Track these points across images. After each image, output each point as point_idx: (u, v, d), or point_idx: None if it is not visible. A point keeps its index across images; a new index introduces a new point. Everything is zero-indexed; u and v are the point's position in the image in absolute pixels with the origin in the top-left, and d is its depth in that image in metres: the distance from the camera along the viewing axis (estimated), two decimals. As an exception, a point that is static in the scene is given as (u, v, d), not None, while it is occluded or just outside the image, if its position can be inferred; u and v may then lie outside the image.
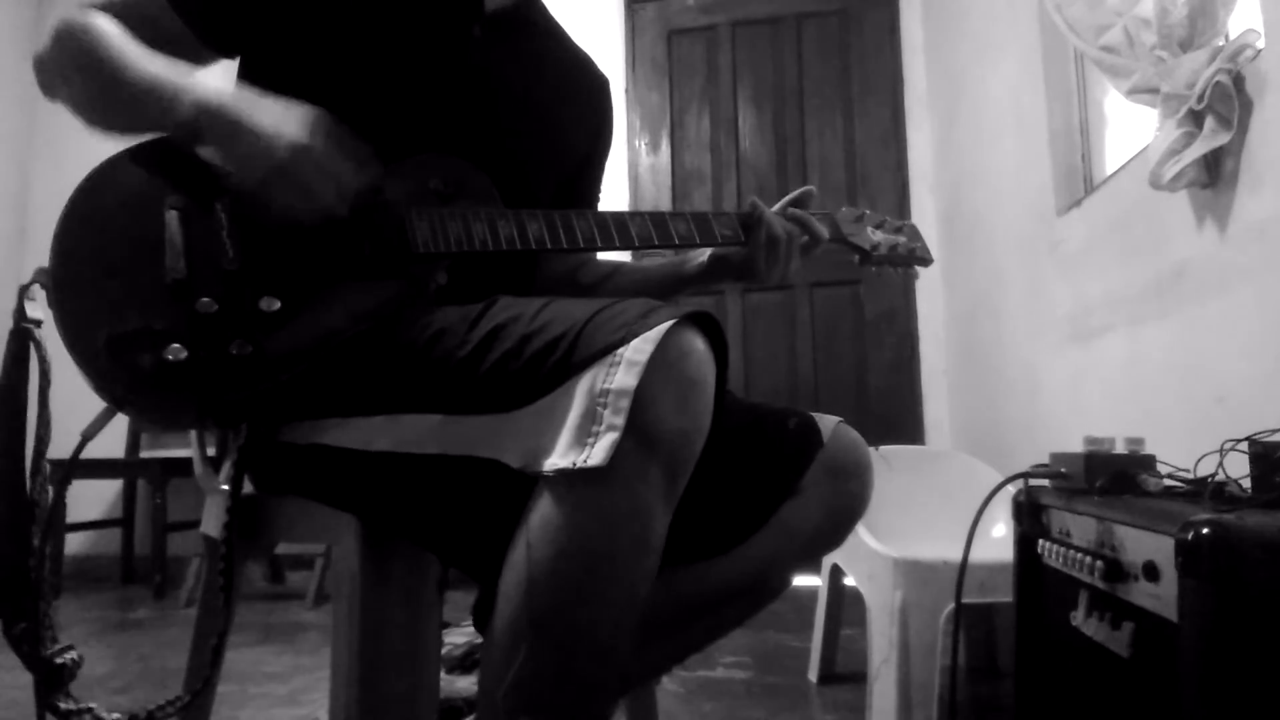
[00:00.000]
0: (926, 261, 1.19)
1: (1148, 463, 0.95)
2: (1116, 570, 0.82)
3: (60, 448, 0.86)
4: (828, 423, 0.98)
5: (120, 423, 0.82)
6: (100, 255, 0.82)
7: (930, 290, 3.24)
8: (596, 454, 0.65)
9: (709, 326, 0.73)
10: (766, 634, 2.30)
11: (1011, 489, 1.08)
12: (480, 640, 1.81)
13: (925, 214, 3.26)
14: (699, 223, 1.01)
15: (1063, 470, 1.01)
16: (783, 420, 0.98)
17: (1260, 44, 1.24)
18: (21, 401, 0.83)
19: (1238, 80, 1.27)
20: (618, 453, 0.65)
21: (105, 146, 0.90)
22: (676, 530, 0.72)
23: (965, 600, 1.17)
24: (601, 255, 1.15)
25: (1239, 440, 0.89)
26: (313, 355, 0.81)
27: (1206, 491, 0.86)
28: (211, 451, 1.18)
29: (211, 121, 0.83)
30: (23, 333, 0.82)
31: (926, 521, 1.74)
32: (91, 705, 0.78)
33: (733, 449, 0.89)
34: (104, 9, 0.91)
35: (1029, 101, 2.23)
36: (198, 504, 1.17)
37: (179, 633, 2.53)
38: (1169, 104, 1.34)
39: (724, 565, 0.92)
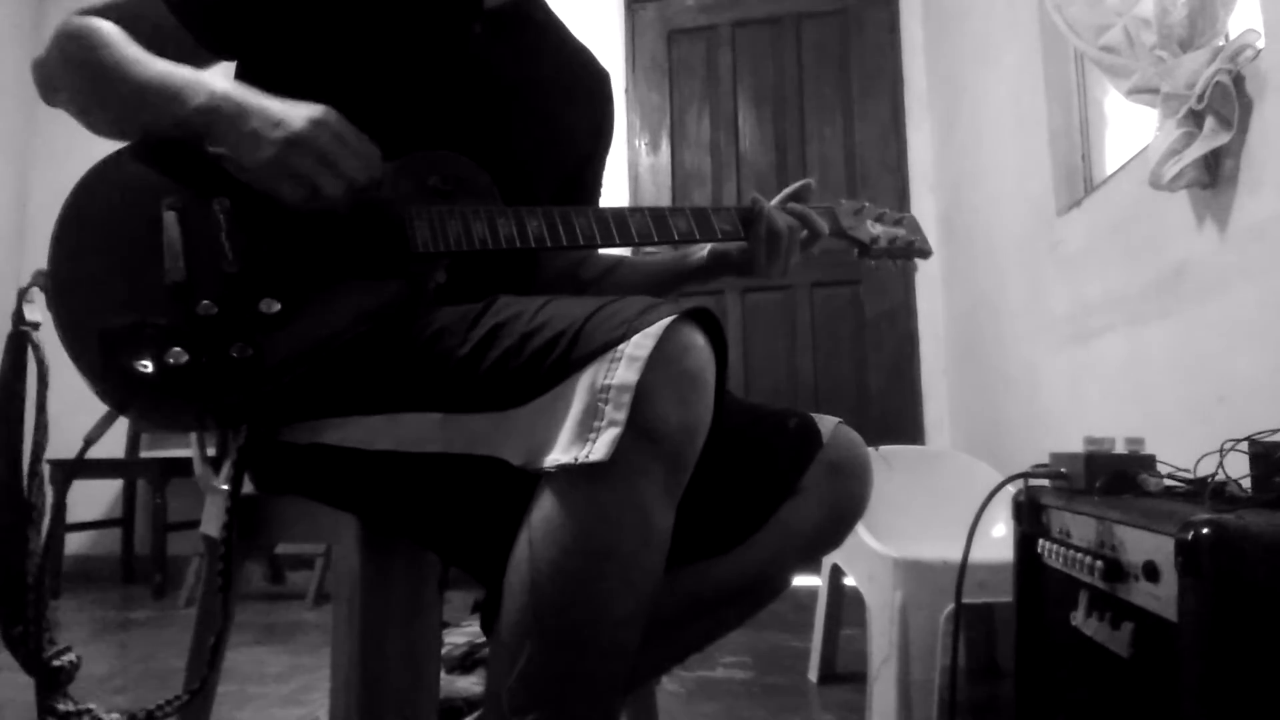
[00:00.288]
0: (925, 254, 1.19)
1: (1148, 463, 0.95)
2: (1116, 570, 0.82)
3: (60, 450, 0.86)
4: (827, 423, 0.98)
5: (120, 423, 0.82)
6: (99, 257, 0.82)
7: (930, 290, 3.24)
8: (598, 450, 0.65)
9: (709, 323, 0.73)
10: (766, 634, 2.30)
11: (1011, 489, 1.08)
12: (481, 640, 1.82)
13: (925, 214, 3.25)
14: (699, 218, 1.00)
15: (1063, 470, 1.01)
16: (782, 420, 0.98)
17: (1260, 44, 1.24)
18: (19, 404, 0.82)
19: (1238, 80, 1.27)
20: (619, 448, 0.65)
21: (104, 147, 0.90)
22: (677, 530, 0.72)
23: (965, 600, 1.17)
24: (602, 251, 1.15)
25: (1239, 440, 0.89)
26: (313, 356, 0.81)
27: (1206, 491, 0.85)
28: (211, 451, 1.18)
29: (224, 105, 0.83)
30: (21, 335, 0.82)
31: (926, 521, 1.74)
32: (90, 706, 0.78)
33: (733, 449, 0.89)
34: (102, 13, 0.92)
35: (1029, 101, 2.22)
36: (198, 504, 1.17)
37: (179, 633, 2.53)
38: (1169, 104, 1.34)
39: (724, 565, 0.92)
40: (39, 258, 0.80)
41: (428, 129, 0.95)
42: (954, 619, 1.23)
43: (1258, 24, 1.25)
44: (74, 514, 3.40)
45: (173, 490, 3.21)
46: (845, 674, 1.92)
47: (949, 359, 3.21)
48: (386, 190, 0.89)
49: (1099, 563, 0.84)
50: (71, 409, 0.86)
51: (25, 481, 0.82)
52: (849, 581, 1.78)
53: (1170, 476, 0.95)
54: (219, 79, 0.87)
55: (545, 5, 1.12)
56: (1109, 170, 1.97)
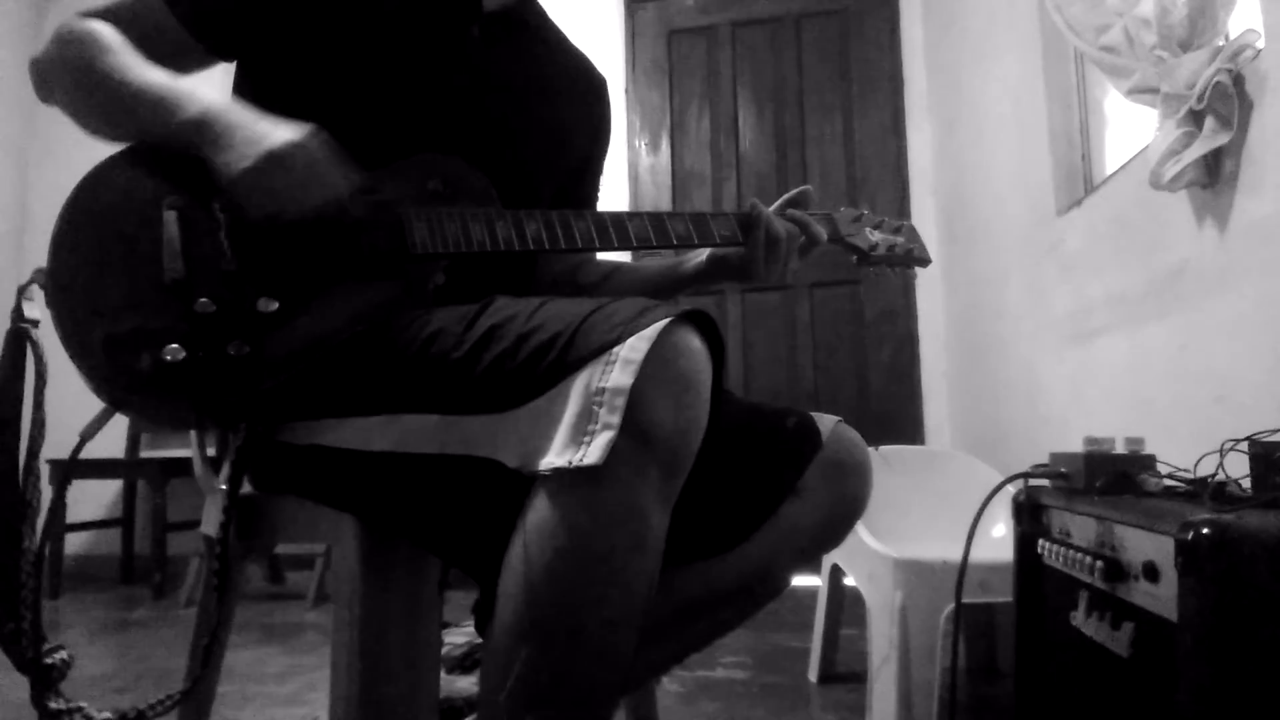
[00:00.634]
0: (925, 262, 1.19)
1: (1148, 463, 0.95)
2: (1116, 570, 0.82)
3: (59, 447, 0.86)
4: (827, 422, 0.98)
5: (120, 423, 0.82)
6: (99, 255, 0.82)
7: (930, 290, 3.24)
8: (592, 453, 0.65)
9: (705, 325, 0.73)
10: (766, 634, 2.30)
11: (1011, 489, 1.08)
12: (480, 640, 1.81)
13: (925, 214, 3.26)
14: (697, 223, 1.01)
15: (1063, 470, 1.01)
16: (781, 420, 0.98)
17: (1260, 44, 1.24)
18: (18, 401, 0.82)
19: (1238, 80, 1.27)
20: (614, 451, 0.65)
21: (104, 147, 0.90)
22: (676, 530, 0.72)
23: (965, 600, 1.17)
24: (600, 255, 1.15)
25: (1239, 440, 0.89)
26: (311, 356, 0.81)
27: (1206, 491, 0.85)
28: (211, 451, 1.18)
29: (213, 120, 0.84)
30: (20, 333, 0.82)
31: (926, 521, 1.74)
32: (82, 705, 0.78)
33: (732, 449, 0.89)
34: (102, 15, 0.92)
35: (1029, 101, 2.22)
36: (198, 504, 1.17)
37: (179, 633, 2.53)
38: (1169, 104, 1.34)
39: (724, 565, 0.92)
40: (39, 256, 0.80)
41: (426, 132, 0.95)
42: (954, 619, 1.23)
43: (1258, 24, 1.25)
44: (74, 514, 3.40)
45: (173, 490, 3.21)
46: (845, 674, 1.92)
47: (949, 359, 3.21)
48: (385, 192, 0.89)
49: (1099, 563, 0.84)
50: (70, 407, 0.86)
51: (21, 477, 0.82)
52: (849, 581, 1.78)
53: (1170, 476, 0.95)
54: (211, 93, 0.87)
55: (542, 10, 1.12)
56: (1109, 170, 1.97)
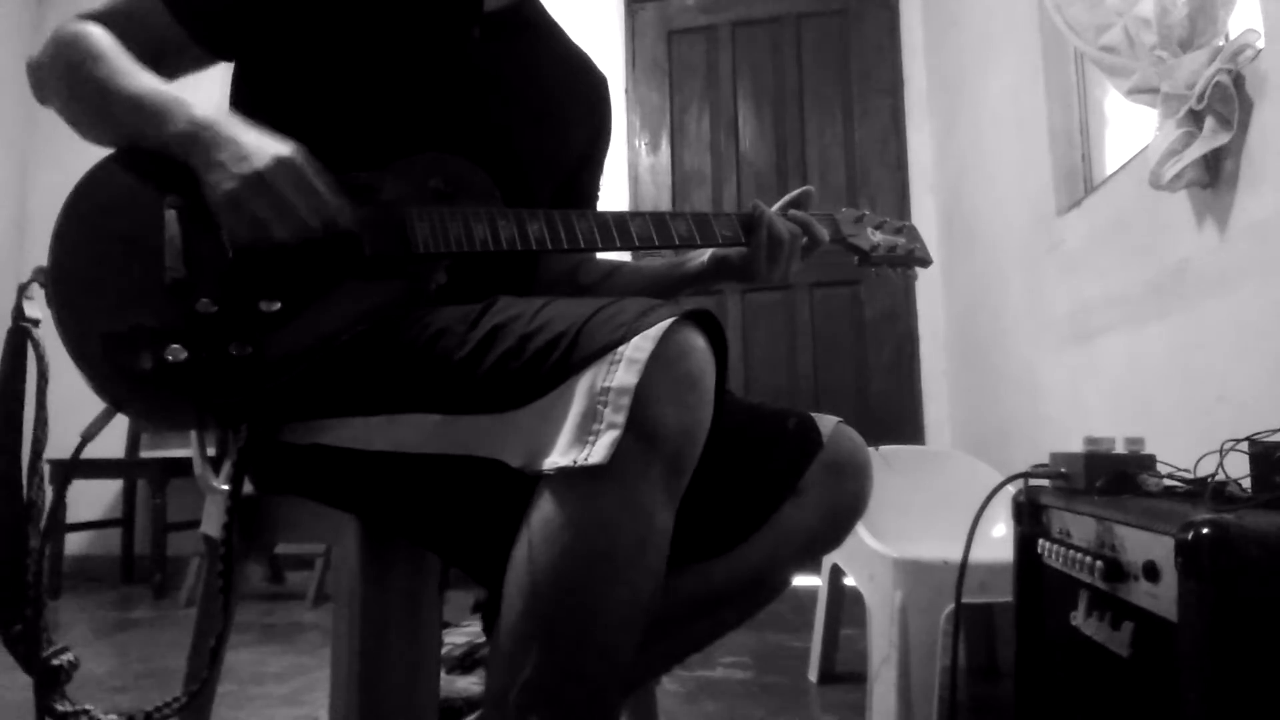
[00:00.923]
0: (926, 262, 1.19)
1: (1148, 463, 0.95)
2: (1116, 570, 0.82)
3: (60, 448, 0.86)
4: (827, 423, 0.98)
5: (120, 423, 0.82)
6: (99, 255, 0.82)
7: (930, 290, 3.24)
8: (597, 452, 0.65)
9: (709, 324, 0.73)
10: (766, 634, 2.30)
11: (1011, 489, 1.08)
12: (481, 640, 1.82)
13: (925, 214, 3.26)
14: (699, 223, 1.01)
15: (1063, 470, 1.01)
16: (782, 420, 0.98)
17: (1260, 44, 1.24)
18: (19, 401, 0.82)
19: (1238, 80, 1.27)
20: (618, 451, 0.65)
21: (105, 147, 0.90)
22: (677, 530, 0.72)
23: (965, 600, 1.17)
24: (601, 255, 1.15)
25: (1239, 440, 0.89)
26: (313, 356, 0.81)
27: (1206, 491, 0.85)
28: (211, 451, 1.18)
29: (201, 133, 0.84)
30: (20, 332, 0.82)
31: (926, 521, 1.74)
32: (88, 707, 0.78)
33: (732, 449, 0.89)
34: (99, 17, 0.92)
35: (1029, 101, 2.22)
36: (198, 504, 1.17)
37: (179, 633, 2.53)
38: (1169, 104, 1.34)
39: (724, 565, 0.92)
40: (39, 255, 0.80)
41: (427, 131, 0.95)
42: (954, 619, 1.23)
43: (1258, 24, 1.25)
44: (74, 514, 3.39)
45: (173, 490, 3.20)
46: (845, 674, 1.92)
47: (949, 359, 3.21)
48: (387, 191, 0.89)
49: (1099, 563, 0.84)
50: (71, 406, 0.86)
51: (25, 479, 0.82)
52: (849, 581, 1.78)
53: (1170, 476, 0.95)
54: (202, 105, 0.86)
55: (543, 9, 1.12)
56: (1109, 170, 1.97)
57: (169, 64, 0.93)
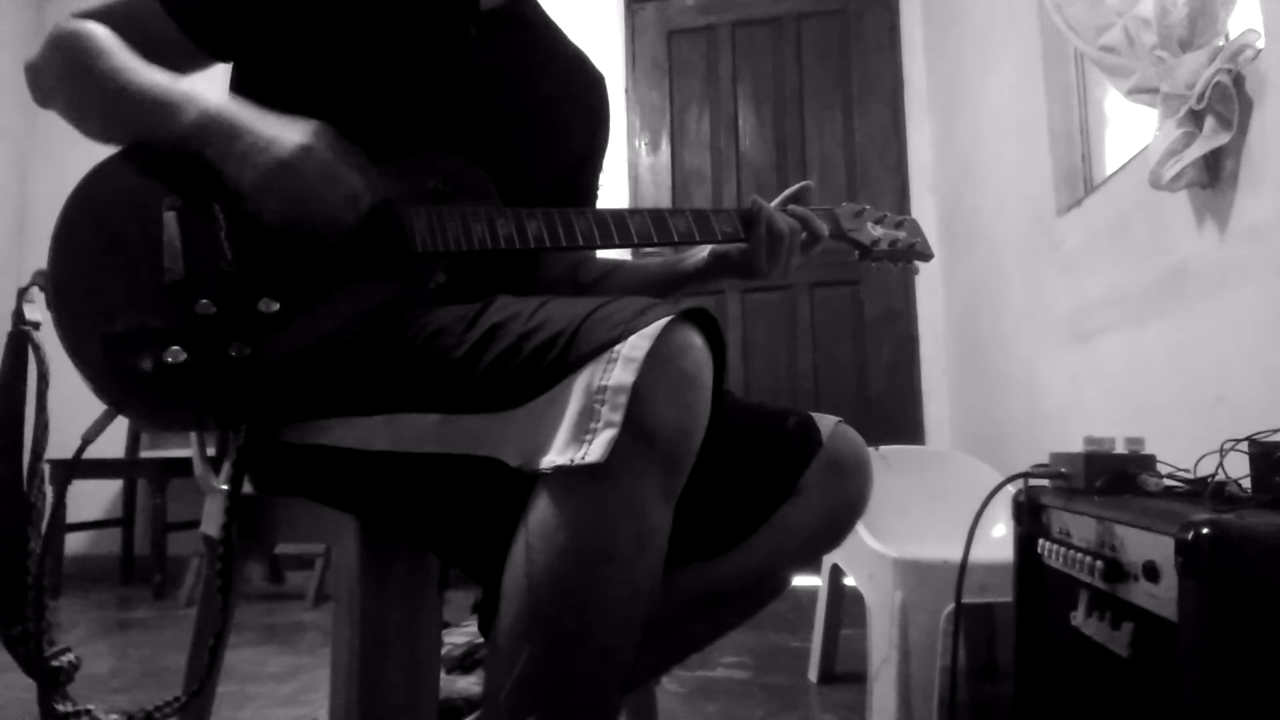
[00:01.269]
0: (926, 256, 1.19)
1: (1148, 463, 0.95)
2: (1116, 570, 0.82)
3: (60, 449, 0.86)
4: (827, 422, 0.98)
5: (120, 423, 0.82)
6: (99, 257, 0.82)
7: (930, 290, 3.24)
8: (594, 451, 0.65)
9: (706, 323, 0.73)
10: (766, 634, 2.30)
11: (1011, 489, 1.08)
12: (481, 640, 1.82)
13: (925, 214, 3.26)
14: (698, 220, 1.00)
15: (1063, 470, 1.01)
16: (782, 420, 0.98)
17: (1260, 44, 1.24)
18: (20, 403, 0.82)
19: (1238, 80, 1.27)
20: (616, 449, 0.65)
21: (104, 148, 0.90)
22: (676, 530, 0.72)
23: (965, 600, 1.17)
24: (601, 254, 1.15)
25: (1239, 440, 0.89)
26: (312, 356, 0.81)
27: (1206, 491, 0.85)
28: (211, 451, 1.18)
29: (216, 124, 0.84)
30: (21, 335, 0.82)
31: (926, 521, 1.74)
32: (89, 707, 0.78)
33: (732, 448, 0.89)
34: (97, 16, 0.91)
35: (1029, 102, 2.22)
36: (198, 504, 1.17)
37: (179, 633, 2.53)
38: (1169, 104, 1.34)
39: (724, 565, 0.92)
40: (39, 257, 0.80)
41: (425, 131, 0.95)
42: (954, 619, 1.23)
43: (1258, 24, 1.25)
44: (74, 514, 3.39)
45: (173, 490, 3.21)
46: (845, 674, 1.92)
47: (949, 359, 3.21)
48: (386, 191, 0.89)
49: (1099, 563, 0.84)
50: (71, 408, 0.86)
51: (25, 480, 0.82)
52: (849, 581, 1.78)
53: (1170, 476, 0.95)
54: (212, 95, 0.87)
55: (540, 8, 1.12)
56: (1109, 170, 1.97)
57: (166, 64, 0.92)
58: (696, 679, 1.93)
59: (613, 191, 3.46)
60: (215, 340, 0.79)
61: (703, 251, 1.11)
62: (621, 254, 1.14)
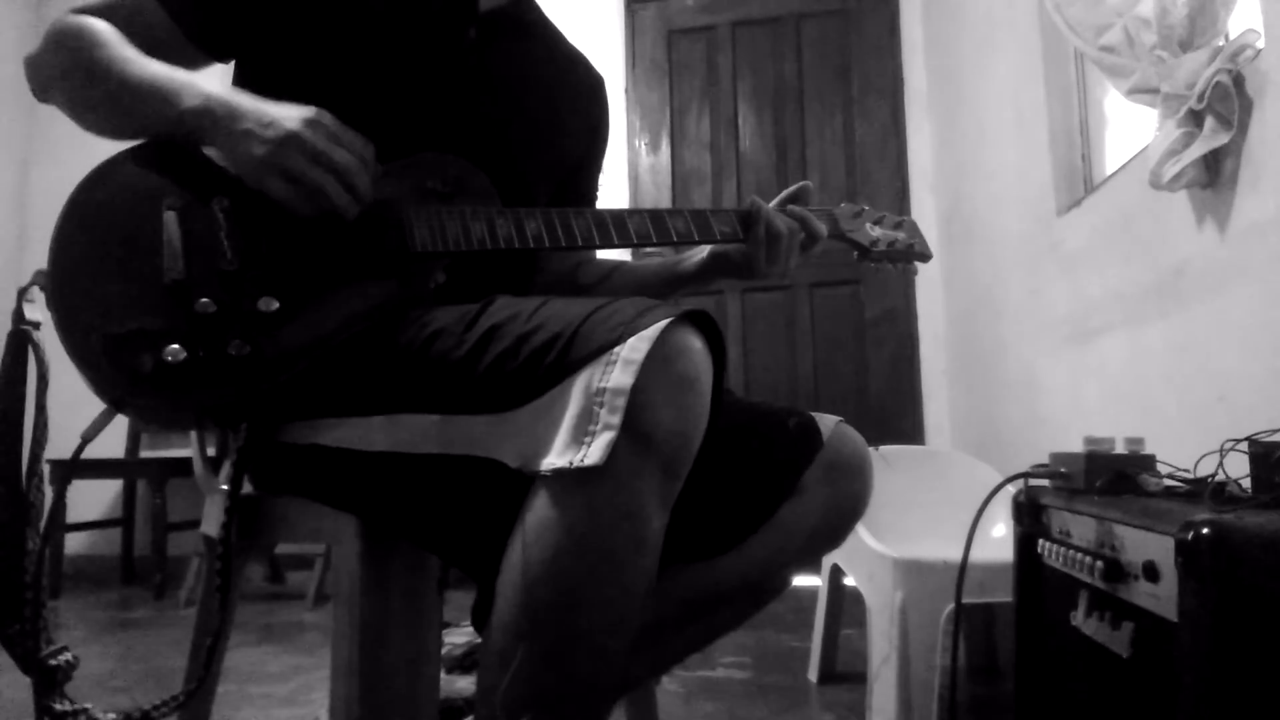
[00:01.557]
0: (925, 257, 1.19)
1: (1148, 463, 0.95)
2: (1116, 570, 0.82)
3: (60, 448, 0.86)
4: (827, 422, 0.98)
5: (120, 423, 0.82)
6: (99, 256, 0.82)
7: (930, 290, 3.24)
8: (593, 453, 0.65)
9: (706, 325, 0.73)
10: (766, 634, 2.30)
11: (1011, 489, 1.08)
12: (480, 640, 1.82)
13: (925, 214, 3.26)
14: (697, 220, 1.01)
15: (1063, 470, 1.01)
16: (782, 420, 0.97)
17: (1260, 44, 1.24)
18: (19, 403, 0.82)
19: (1238, 80, 1.27)
20: (614, 452, 0.65)
21: (104, 147, 0.90)
22: (676, 530, 0.72)
23: (965, 600, 1.17)
24: (600, 254, 1.15)
25: (1239, 440, 0.89)
26: (311, 355, 0.81)
27: (1206, 491, 0.85)
28: (211, 451, 1.18)
29: (219, 107, 0.84)
30: (21, 335, 0.82)
31: (926, 521, 1.74)
32: (86, 706, 0.78)
33: (732, 449, 0.89)
34: (95, 11, 0.92)
35: (1029, 101, 2.22)
36: (198, 504, 1.17)
37: (179, 633, 2.53)
38: (1169, 104, 1.34)
39: (724, 565, 0.92)
40: (39, 258, 0.80)
41: (425, 132, 0.95)
42: (954, 619, 1.23)
43: (1258, 24, 1.26)
44: (74, 514, 3.40)
45: (173, 490, 3.21)
46: (845, 674, 1.92)
47: (949, 359, 3.21)
48: (385, 191, 0.89)
49: (1099, 563, 0.84)
50: (71, 408, 0.86)
51: (25, 480, 0.82)
52: (849, 581, 1.78)
53: (1170, 476, 0.95)
54: (212, 82, 0.87)
55: (539, 9, 1.12)
56: (1109, 170, 1.97)
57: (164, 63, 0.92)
58: (696, 679, 1.93)
59: (612, 191, 3.46)
60: (215, 339, 0.79)
61: (702, 252, 1.11)
62: (621, 254, 1.14)
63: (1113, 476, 0.93)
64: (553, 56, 1.11)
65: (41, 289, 0.81)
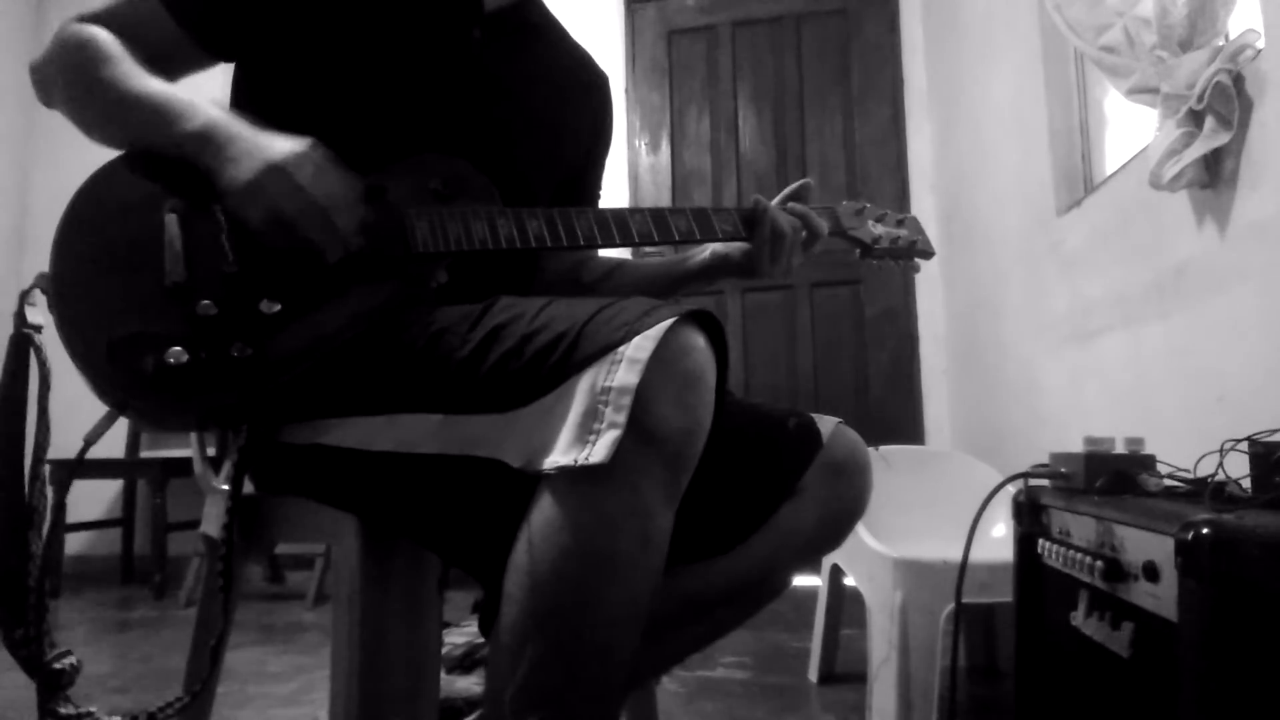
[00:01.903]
0: (928, 254, 1.19)
1: (1148, 463, 0.95)
2: (1116, 570, 0.82)
3: (61, 450, 0.86)
4: (827, 423, 0.98)
5: (120, 423, 0.82)
6: (101, 259, 0.82)
7: (930, 290, 3.24)
8: (598, 452, 0.65)
9: (709, 324, 0.73)
10: (766, 634, 2.30)
11: (1011, 489, 1.08)
12: (481, 640, 1.82)
13: (925, 214, 3.25)
14: (699, 219, 1.01)
15: (1063, 470, 1.01)
16: (782, 420, 0.98)
17: (1260, 44, 1.24)
18: (21, 407, 0.82)
19: (1238, 80, 1.27)
20: (619, 451, 0.65)
21: (105, 150, 0.90)
22: (677, 530, 0.72)
23: (965, 600, 1.17)
24: (602, 253, 1.15)
25: (1239, 440, 0.89)
26: (313, 356, 0.81)
27: (1206, 491, 0.85)
28: (211, 451, 1.18)
29: (214, 132, 0.84)
30: (23, 338, 0.82)
31: (926, 521, 1.74)
32: (91, 709, 0.78)
33: (733, 449, 0.89)
34: (100, 19, 0.92)
35: (1029, 101, 2.23)
36: (198, 504, 1.17)
37: (179, 633, 2.53)
38: (1169, 104, 1.34)
39: (724, 565, 0.92)
40: (40, 260, 0.80)
41: (428, 132, 0.95)
42: (954, 619, 1.23)
43: (1258, 24, 1.26)
44: (74, 514, 3.40)
45: (173, 490, 3.21)
46: (845, 674, 1.92)
47: (949, 359, 3.21)
48: (388, 192, 0.89)
49: (1099, 563, 0.84)
50: (72, 410, 0.86)
51: (27, 483, 0.82)
52: (849, 581, 1.78)
53: (1170, 476, 0.95)
54: (213, 106, 0.87)
55: (544, 9, 1.12)
56: (1109, 170, 1.97)
57: (169, 65, 0.93)
58: (696, 679, 1.93)
59: (613, 192, 3.45)
60: (217, 341, 0.79)
61: (704, 251, 1.11)
62: (622, 254, 1.14)
63: (1113, 476, 0.93)
64: (557, 56, 1.11)
65: (44, 291, 0.81)
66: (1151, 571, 0.75)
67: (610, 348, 0.69)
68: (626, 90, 3.62)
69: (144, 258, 0.81)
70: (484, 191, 0.93)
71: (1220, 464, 0.89)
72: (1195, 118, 1.31)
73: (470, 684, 1.63)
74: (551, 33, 1.13)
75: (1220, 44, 1.29)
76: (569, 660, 0.68)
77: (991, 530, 1.57)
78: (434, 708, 0.95)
